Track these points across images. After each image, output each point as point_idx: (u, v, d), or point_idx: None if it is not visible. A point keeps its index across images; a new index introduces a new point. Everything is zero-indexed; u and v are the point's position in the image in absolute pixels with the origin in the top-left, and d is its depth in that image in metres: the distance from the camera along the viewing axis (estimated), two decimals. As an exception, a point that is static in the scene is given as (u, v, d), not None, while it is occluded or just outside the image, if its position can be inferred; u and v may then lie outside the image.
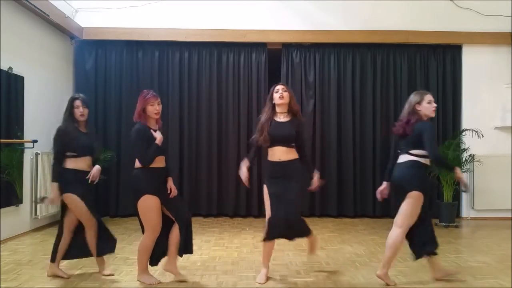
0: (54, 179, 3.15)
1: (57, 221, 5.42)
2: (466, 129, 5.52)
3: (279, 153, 3.15)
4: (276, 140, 3.15)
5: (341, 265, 3.62)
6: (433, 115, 3.13)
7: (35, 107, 4.99)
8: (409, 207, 3.06)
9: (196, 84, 6.02)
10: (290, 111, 3.25)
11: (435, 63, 6.09)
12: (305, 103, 6.01)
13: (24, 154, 4.74)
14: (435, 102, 3.16)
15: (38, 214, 4.93)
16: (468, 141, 5.59)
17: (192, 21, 5.92)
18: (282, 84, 3.30)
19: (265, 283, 3.13)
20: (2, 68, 4.35)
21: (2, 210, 4.35)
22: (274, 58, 6.08)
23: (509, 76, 5.93)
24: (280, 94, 3.20)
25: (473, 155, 5.60)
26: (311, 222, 5.48)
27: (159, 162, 3.13)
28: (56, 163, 3.17)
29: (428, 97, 3.12)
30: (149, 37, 5.89)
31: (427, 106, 3.10)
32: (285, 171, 3.13)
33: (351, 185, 5.94)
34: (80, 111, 3.30)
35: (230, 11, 5.95)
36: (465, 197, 5.96)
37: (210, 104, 5.96)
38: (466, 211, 5.96)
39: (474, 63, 6.01)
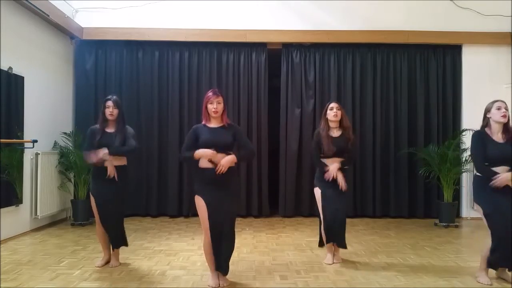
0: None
1: (57, 221, 5.45)
2: (466, 129, 5.51)
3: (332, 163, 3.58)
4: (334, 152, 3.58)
5: (341, 265, 3.62)
6: (502, 120, 3.11)
7: (35, 107, 4.99)
8: None
9: (196, 84, 6.02)
10: (341, 126, 3.65)
11: (435, 63, 6.09)
12: (305, 103, 6.02)
13: (24, 154, 4.74)
14: (504, 108, 3.13)
15: (38, 214, 4.93)
16: (468, 141, 5.54)
17: (192, 21, 5.92)
18: (336, 103, 3.68)
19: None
20: (2, 68, 4.35)
21: (2, 210, 4.35)
22: (274, 58, 6.08)
23: (509, 76, 5.93)
24: (334, 112, 3.60)
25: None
26: (311, 222, 5.53)
27: (208, 162, 2.95)
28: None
29: (497, 104, 3.14)
30: (149, 37, 5.89)
31: (495, 112, 3.12)
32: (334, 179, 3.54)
33: (351, 185, 5.94)
34: (110, 111, 3.47)
35: (230, 11, 5.95)
36: (465, 197, 5.96)
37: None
38: (466, 211, 5.96)
39: (474, 63, 6.01)
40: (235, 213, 3.17)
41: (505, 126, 3.14)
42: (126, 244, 3.63)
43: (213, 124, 3.06)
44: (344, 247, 3.61)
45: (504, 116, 3.10)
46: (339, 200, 3.56)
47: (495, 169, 3.03)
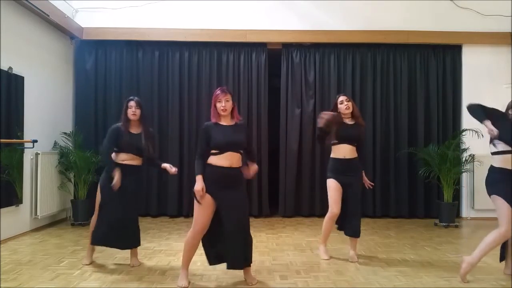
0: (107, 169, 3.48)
1: (57, 221, 5.44)
2: (466, 129, 5.51)
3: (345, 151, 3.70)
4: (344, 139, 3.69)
5: (341, 265, 3.62)
6: None
7: (35, 107, 4.99)
8: None
9: (196, 84, 6.02)
10: (353, 116, 3.75)
11: (435, 63, 6.09)
12: (305, 103, 6.02)
13: (24, 154, 4.74)
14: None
15: (38, 214, 4.93)
16: (468, 141, 5.59)
17: (192, 21, 5.92)
18: (344, 95, 3.80)
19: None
20: (2, 68, 4.35)
21: (2, 210, 4.35)
22: (274, 58, 6.08)
23: (509, 76, 5.93)
24: (346, 105, 3.70)
25: (473, 155, 5.59)
26: (311, 222, 5.54)
27: (222, 161, 2.98)
28: (106, 156, 3.49)
29: None
30: (149, 37, 5.89)
31: None
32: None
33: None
34: (133, 111, 3.48)
35: (230, 11, 5.95)
36: (465, 197, 5.96)
37: (210, 104, 5.94)
38: (466, 211, 5.97)
39: (474, 63, 6.01)
40: (247, 207, 3.21)
41: None
42: (138, 244, 3.62)
43: (224, 122, 3.06)
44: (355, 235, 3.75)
45: None
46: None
47: None
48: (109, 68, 5.99)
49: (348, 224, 3.74)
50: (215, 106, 3.04)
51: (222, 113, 3.02)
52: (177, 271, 3.39)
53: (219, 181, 2.95)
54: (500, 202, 3.05)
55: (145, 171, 5.60)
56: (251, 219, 5.83)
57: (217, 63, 6.05)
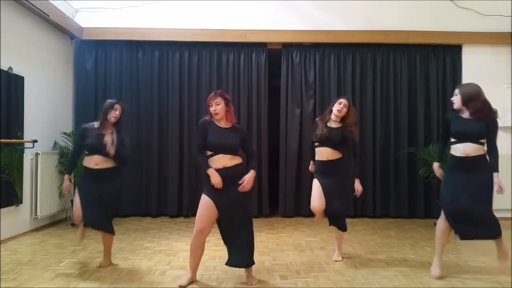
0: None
1: (57, 221, 5.44)
2: (466, 129, 5.50)
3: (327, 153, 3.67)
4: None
5: (341, 265, 3.62)
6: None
7: (35, 107, 4.99)
8: None
9: (196, 84, 6.02)
10: (343, 122, 3.69)
11: (435, 63, 6.09)
12: (305, 103, 6.02)
13: (24, 154, 4.74)
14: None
15: (38, 214, 4.93)
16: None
17: (192, 21, 5.92)
18: (346, 99, 3.71)
19: None
20: (2, 68, 4.35)
21: (2, 210, 4.35)
22: (274, 58, 6.08)
23: (509, 76, 5.93)
24: (340, 108, 3.64)
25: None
26: (311, 222, 5.53)
27: (216, 163, 2.97)
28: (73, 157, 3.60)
29: None
30: (149, 37, 5.89)
31: None
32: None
33: (351, 185, 5.93)
34: (117, 114, 3.46)
35: (230, 11, 5.95)
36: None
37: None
38: (466, 211, 5.95)
39: (474, 63, 6.00)
40: (249, 206, 3.18)
41: None
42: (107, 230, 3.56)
43: (222, 124, 3.06)
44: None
45: None
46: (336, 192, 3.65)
47: None
48: (109, 68, 5.99)
49: (333, 222, 3.75)
50: (209, 110, 3.07)
51: (215, 116, 3.03)
52: (177, 271, 3.41)
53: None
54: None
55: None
56: (251, 219, 5.85)
57: (217, 63, 6.04)
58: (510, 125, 5.76)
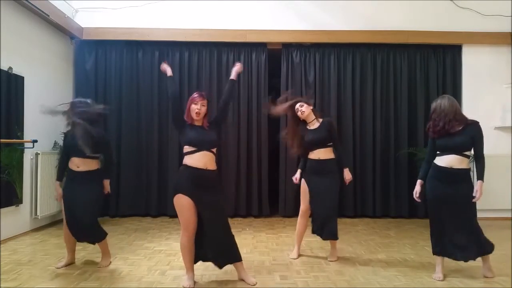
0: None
1: (57, 221, 5.44)
2: (466, 129, 5.50)
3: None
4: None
5: (341, 265, 3.62)
6: None
7: (35, 107, 4.97)
8: None
9: (196, 84, 6.01)
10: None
11: (435, 63, 6.09)
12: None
13: (24, 154, 4.74)
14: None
15: (38, 214, 4.93)
16: (468, 141, 5.58)
17: (192, 21, 5.92)
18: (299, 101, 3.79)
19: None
20: (2, 68, 4.35)
21: (2, 210, 4.35)
22: (274, 58, 6.08)
23: (509, 76, 5.93)
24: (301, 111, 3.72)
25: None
26: (311, 222, 5.51)
27: (197, 161, 2.98)
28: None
29: None
30: (149, 37, 5.89)
31: None
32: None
33: (351, 185, 5.91)
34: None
35: (230, 11, 5.95)
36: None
37: (210, 104, 5.91)
38: (466, 211, 5.95)
39: (474, 63, 6.01)
40: (224, 208, 3.19)
41: None
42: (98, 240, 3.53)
43: (198, 124, 3.11)
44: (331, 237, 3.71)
45: None
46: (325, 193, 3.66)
47: None
48: (109, 68, 5.99)
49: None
50: (189, 108, 3.07)
51: (195, 116, 3.05)
52: (177, 271, 3.41)
53: (195, 182, 2.96)
54: None
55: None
56: (251, 219, 5.86)
57: (217, 63, 6.04)
58: (510, 125, 5.76)
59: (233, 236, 3.12)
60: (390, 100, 6.06)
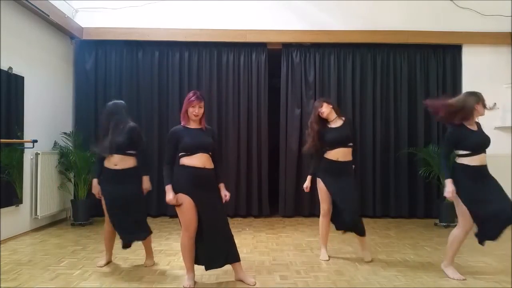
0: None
1: (57, 221, 5.44)
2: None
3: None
4: None
5: (341, 265, 3.62)
6: None
7: (35, 107, 4.99)
8: None
9: (196, 84, 6.01)
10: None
11: (435, 63, 6.09)
12: (305, 103, 6.01)
13: (24, 154, 4.74)
14: None
15: (38, 214, 4.93)
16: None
17: (192, 21, 5.92)
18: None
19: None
20: (2, 68, 4.35)
21: (2, 210, 4.35)
22: (274, 58, 6.08)
23: (509, 76, 5.93)
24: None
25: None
26: (311, 222, 5.53)
27: (195, 161, 2.99)
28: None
29: None
30: (149, 37, 5.89)
31: None
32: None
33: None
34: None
35: (230, 11, 5.95)
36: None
37: (210, 104, 5.94)
38: (466, 211, 5.95)
39: (474, 63, 6.01)
40: (223, 207, 3.19)
41: None
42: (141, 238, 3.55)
43: (193, 126, 3.09)
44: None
45: None
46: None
47: None
48: (109, 68, 5.99)
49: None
50: (186, 110, 3.06)
51: (193, 118, 3.06)
52: (177, 271, 3.41)
53: (194, 181, 2.97)
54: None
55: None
56: (251, 219, 5.86)
57: (217, 63, 6.04)
58: (510, 125, 5.76)
59: (232, 236, 3.12)
60: (390, 100, 6.06)
